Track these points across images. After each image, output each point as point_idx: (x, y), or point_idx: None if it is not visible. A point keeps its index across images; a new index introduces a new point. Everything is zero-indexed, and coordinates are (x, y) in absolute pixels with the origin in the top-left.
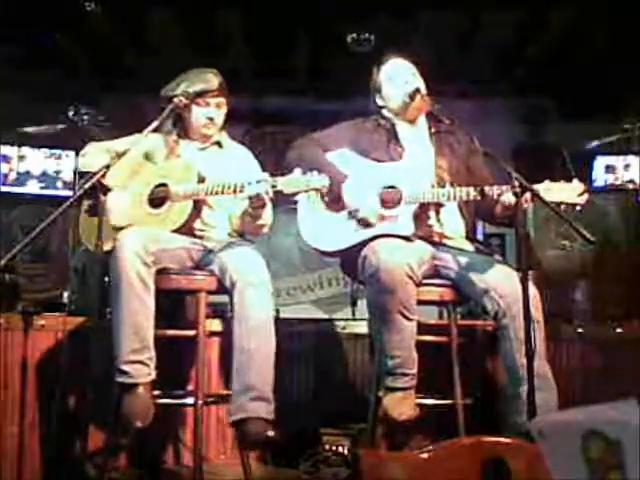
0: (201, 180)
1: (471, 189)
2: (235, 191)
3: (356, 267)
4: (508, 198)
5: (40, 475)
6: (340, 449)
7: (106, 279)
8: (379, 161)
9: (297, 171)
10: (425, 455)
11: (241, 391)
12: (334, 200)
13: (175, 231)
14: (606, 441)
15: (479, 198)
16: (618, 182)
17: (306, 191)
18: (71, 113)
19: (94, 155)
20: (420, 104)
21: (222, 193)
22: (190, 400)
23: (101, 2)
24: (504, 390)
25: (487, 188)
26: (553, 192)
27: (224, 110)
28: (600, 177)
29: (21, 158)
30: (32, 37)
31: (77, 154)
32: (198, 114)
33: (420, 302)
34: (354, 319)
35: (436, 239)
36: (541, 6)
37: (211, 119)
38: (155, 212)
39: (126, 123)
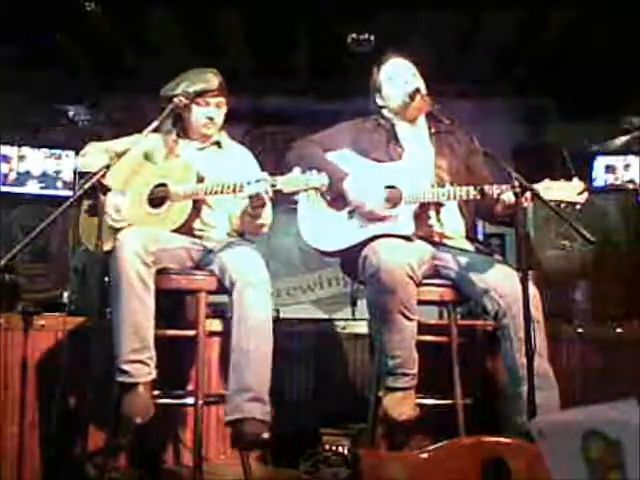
0: (200, 180)
1: (471, 188)
2: (234, 191)
3: (356, 267)
4: (508, 197)
5: (40, 475)
6: (340, 449)
7: (106, 279)
8: (379, 161)
9: (296, 170)
10: (425, 455)
11: (237, 391)
12: (336, 198)
13: (175, 231)
14: (606, 441)
15: (479, 197)
16: (618, 182)
17: (305, 190)
18: (71, 113)
19: (94, 155)
20: (420, 104)
21: (221, 193)
22: (190, 400)
23: (101, 2)
24: (504, 390)
25: (487, 187)
26: (553, 191)
27: (224, 110)
28: (600, 177)
29: (21, 158)
30: (32, 37)
31: (77, 154)
32: (198, 114)
33: (420, 302)
34: (354, 319)
35: (436, 239)
36: (541, 6)
37: (211, 119)
38: (155, 212)
39: (126, 123)
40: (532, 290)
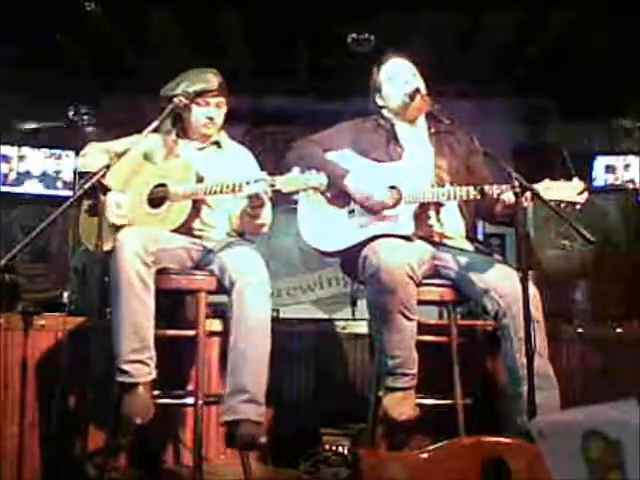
0: (200, 180)
1: (471, 188)
2: (234, 190)
3: (356, 267)
4: (508, 197)
5: (40, 475)
6: (340, 449)
7: (106, 279)
8: (379, 161)
9: (295, 170)
10: (425, 455)
11: (233, 392)
12: (337, 196)
13: (174, 231)
14: (606, 441)
15: (479, 197)
16: (618, 182)
17: (305, 190)
18: (71, 113)
19: (94, 155)
20: (420, 104)
21: (221, 193)
22: (190, 400)
23: (101, 2)
24: (504, 390)
25: (487, 187)
26: (553, 191)
27: (224, 110)
28: (600, 177)
29: (21, 158)
30: (32, 37)
31: (77, 154)
32: (198, 114)
33: (420, 302)
34: (354, 319)
35: (436, 239)
36: (541, 6)
37: (211, 119)
38: (154, 212)
39: (126, 123)
40: (532, 290)
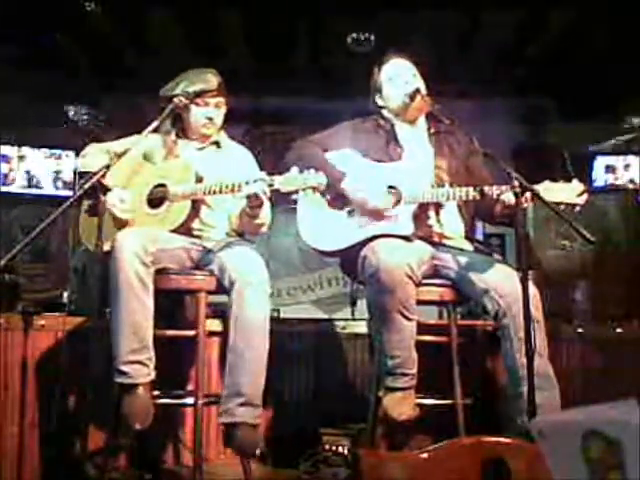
0: (199, 180)
1: (470, 189)
2: (233, 190)
3: (356, 267)
4: (508, 197)
5: (40, 475)
6: (340, 449)
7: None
8: (378, 161)
9: (294, 169)
10: (425, 455)
11: (230, 395)
12: (335, 198)
13: (174, 231)
14: (606, 441)
15: (478, 198)
16: (618, 182)
17: (304, 189)
18: (71, 113)
19: (94, 155)
20: (420, 104)
21: (220, 193)
22: (190, 400)
23: (101, 2)
24: (504, 390)
25: (487, 188)
26: (552, 192)
27: (223, 110)
28: (600, 177)
29: (21, 158)
30: (32, 37)
31: (77, 154)
32: (197, 114)
33: (420, 302)
34: (353, 319)
35: (436, 239)
36: (541, 6)
37: (210, 119)
38: (154, 212)
39: (126, 123)
40: (532, 290)
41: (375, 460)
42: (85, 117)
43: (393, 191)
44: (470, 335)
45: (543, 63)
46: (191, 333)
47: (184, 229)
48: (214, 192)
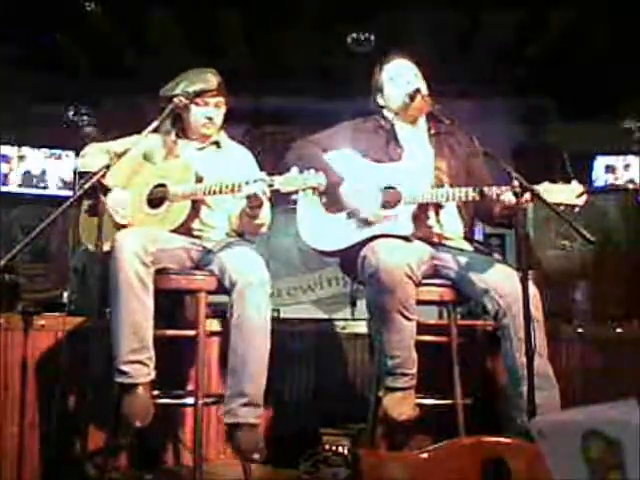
0: (199, 180)
1: (470, 189)
2: (233, 190)
3: (355, 267)
4: (507, 197)
5: (40, 475)
6: (340, 449)
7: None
8: (378, 161)
9: (294, 170)
10: (425, 455)
11: (233, 395)
12: (332, 202)
13: (174, 231)
14: (606, 441)
15: (478, 199)
16: (618, 182)
17: (303, 190)
18: (71, 113)
19: (94, 155)
20: (420, 104)
21: (220, 193)
22: (190, 400)
23: (101, 2)
24: (504, 390)
25: (486, 189)
26: (552, 193)
27: (223, 110)
28: (600, 177)
29: (21, 158)
30: (32, 37)
31: (77, 154)
32: (197, 114)
33: (420, 302)
34: (353, 319)
35: (435, 240)
36: (541, 6)
37: (210, 119)
38: (154, 212)
39: (126, 123)
40: (532, 290)
41: (375, 460)
42: (85, 117)
43: (392, 191)
44: (470, 335)
45: (543, 63)
46: (191, 333)
47: (184, 229)
48: (214, 192)
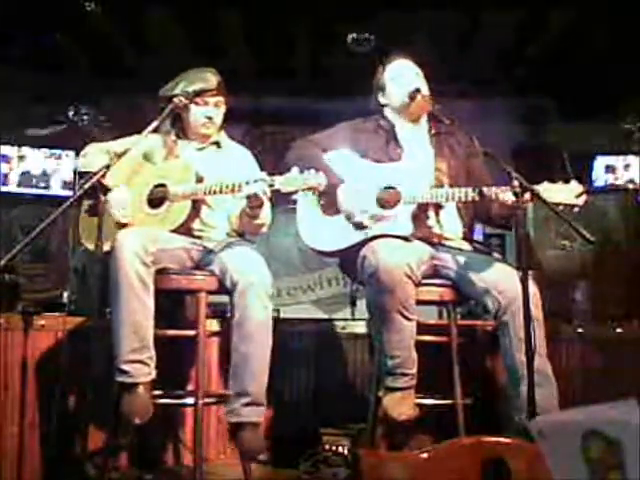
0: (199, 180)
1: (469, 190)
2: (233, 190)
3: (355, 267)
4: (506, 196)
5: (40, 475)
6: (340, 449)
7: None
8: (378, 162)
9: (294, 170)
10: (425, 455)
11: (236, 395)
12: (330, 204)
13: (174, 231)
14: (606, 441)
15: (477, 199)
16: (618, 182)
17: (303, 190)
18: (71, 113)
19: (94, 155)
20: (421, 104)
21: (220, 193)
22: (190, 400)
23: (101, 2)
24: (504, 390)
25: (486, 189)
26: (551, 193)
27: (223, 109)
28: (600, 177)
29: (21, 158)
30: (32, 37)
31: (77, 154)
32: (197, 113)
33: (420, 302)
34: (353, 319)
35: (435, 240)
36: (541, 6)
37: (210, 118)
38: (154, 212)
39: (126, 123)
40: (532, 288)
41: (375, 460)
42: (85, 117)
43: (392, 191)
44: (470, 335)
45: (543, 63)
46: (191, 333)
47: (184, 229)
48: (214, 192)
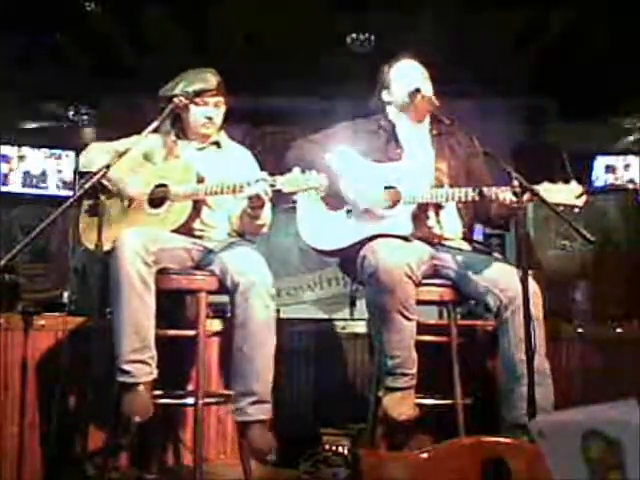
0: (200, 180)
1: (469, 190)
2: (234, 191)
3: (355, 267)
4: (506, 196)
5: (40, 475)
6: (340, 449)
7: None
8: (378, 162)
9: (296, 170)
10: (425, 455)
11: (242, 394)
12: (333, 198)
13: (175, 231)
14: (606, 441)
15: (477, 199)
16: (618, 182)
17: (305, 190)
18: (71, 113)
19: (94, 155)
20: (421, 104)
21: (221, 193)
22: (190, 400)
23: (101, 2)
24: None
25: (486, 189)
26: (551, 193)
27: (222, 109)
28: (600, 177)
29: (21, 158)
30: (32, 37)
31: (77, 154)
32: (197, 114)
33: (420, 302)
34: (352, 319)
35: (435, 240)
36: (541, 6)
37: (210, 118)
38: (154, 212)
39: (126, 123)
40: (533, 287)
41: (375, 460)
42: (85, 117)
43: (392, 191)
44: (470, 335)
45: (543, 63)
46: (191, 333)
47: (185, 229)
48: (215, 192)
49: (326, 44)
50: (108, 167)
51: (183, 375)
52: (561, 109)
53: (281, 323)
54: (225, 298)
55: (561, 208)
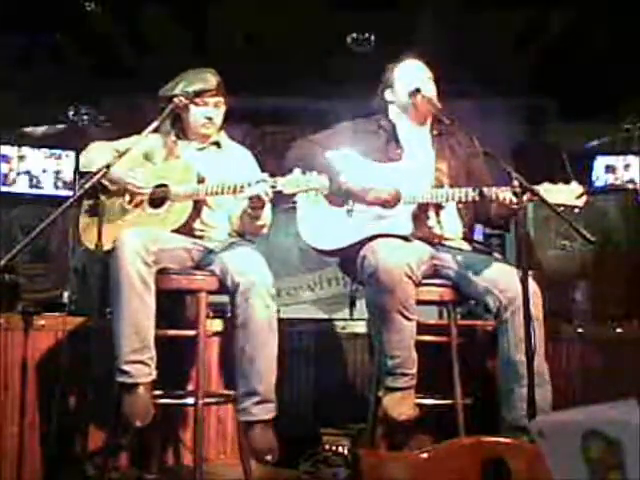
0: (201, 180)
1: (470, 190)
2: (235, 191)
3: (355, 267)
4: (506, 196)
5: (40, 475)
6: (340, 449)
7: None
8: (378, 162)
9: (297, 171)
10: (425, 455)
11: (246, 394)
12: (334, 197)
13: (175, 231)
14: (606, 441)
15: (477, 199)
16: (618, 182)
17: (306, 191)
18: (71, 113)
19: (94, 155)
20: (419, 104)
21: (222, 193)
22: (190, 400)
23: (101, 2)
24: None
25: (486, 189)
26: (552, 194)
27: (222, 109)
28: (600, 177)
29: (21, 158)
30: (32, 37)
31: (77, 154)
32: (197, 114)
33: (420, 302)
34: (352, 319)
35: (435, 240)
36: (541, 6)
37: (210, 119)
38: (155, 212)
39: (126, 123)
40: (533, 287)
41: (375, 460)
42: (85, 117)
43: (392, 191)
44: (470, 335)
45: (543, 63)
46: (191, 333)
47: (186, 229)
48: (216, 193)
49: (326, 44)
50: (108, 167)
51: (183, 375)
52: (561, 109)
53: (281, 323)
54: (225, 298)
55: (561, 208)
